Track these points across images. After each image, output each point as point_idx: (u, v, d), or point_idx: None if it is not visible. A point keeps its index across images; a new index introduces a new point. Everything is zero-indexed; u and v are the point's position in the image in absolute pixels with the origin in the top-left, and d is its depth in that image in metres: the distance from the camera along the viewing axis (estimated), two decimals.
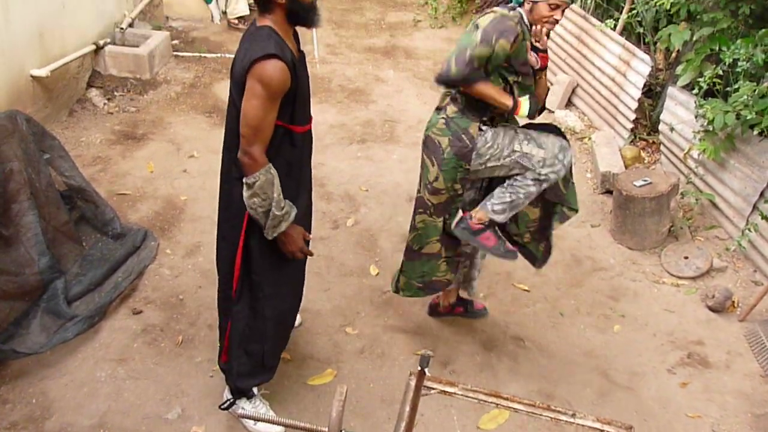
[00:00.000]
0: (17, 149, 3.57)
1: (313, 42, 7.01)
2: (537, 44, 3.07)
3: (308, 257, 3.09)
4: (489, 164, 3.12)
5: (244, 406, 3.09)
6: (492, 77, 2.98)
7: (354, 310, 3.84)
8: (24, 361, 3.32)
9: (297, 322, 3.64)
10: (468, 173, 3.12)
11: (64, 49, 5.27)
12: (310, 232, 3.06)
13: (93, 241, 3.99)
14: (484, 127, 3.08)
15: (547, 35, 3.08)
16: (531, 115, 3.02)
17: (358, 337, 3.67)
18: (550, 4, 2.94)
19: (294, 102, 2.60)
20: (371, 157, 5.28)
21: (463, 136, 3.05)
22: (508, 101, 2.97)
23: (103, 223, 4.03)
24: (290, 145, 2.69)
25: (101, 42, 5.72)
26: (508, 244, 3.32)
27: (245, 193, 2.56)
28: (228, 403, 3.09)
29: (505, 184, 3.18)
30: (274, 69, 2.44)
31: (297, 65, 2.57)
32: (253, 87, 2.46)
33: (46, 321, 3.44)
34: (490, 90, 2.95)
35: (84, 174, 4.11)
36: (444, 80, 2.94)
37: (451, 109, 3.10)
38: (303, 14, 2.55)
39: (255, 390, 3.11)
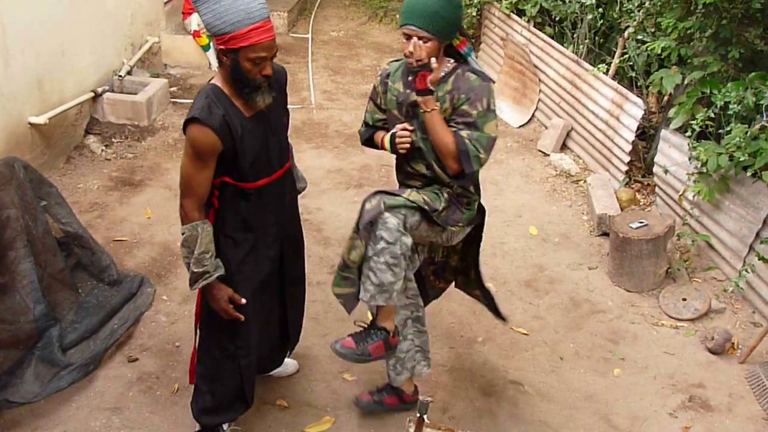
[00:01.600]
0: (14, 196, 3.58)
1: (310, 88, 7.09)
2: (408, 60, 2.73)
3: (302, 297, 3.13)
4: None
5: None
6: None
7: None
8: (17, 410, 3.28)
9: (293, 369, 3.61)
10: None
11: (62, 96, 5.32)
12: (280, 288, 3.07)
13: (89, 288, 3.96)
14: None
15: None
16: (394, 151, 2.91)
17: (357, 384, 3.63)
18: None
19: (237, 161, 2.62)
20: None
21: None
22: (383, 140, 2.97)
23: (99, 269, 4.02)
24: (243, 200, 2.73)
25: (100, 89, 5.78)
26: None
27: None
28: None
29: None
30: (196, 133, 2.52)
31: (236, 125, 2.56)
32: (185, 145, 2.57)
33: (40, 369, 3.40)
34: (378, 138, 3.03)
35: (81, 220, 4.11)
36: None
37: None
38: (241, 86, 2.53)
39: (225, 426, 3.13)
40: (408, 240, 2.69)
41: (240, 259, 2.79)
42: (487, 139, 2.71)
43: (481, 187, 3.06)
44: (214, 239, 2.73)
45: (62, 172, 5.31)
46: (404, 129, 2.85)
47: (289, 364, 3.60)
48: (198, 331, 2.99)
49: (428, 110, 2.72)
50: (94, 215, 4.84)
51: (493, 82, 2.80)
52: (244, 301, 2.78)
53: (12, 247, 3.49)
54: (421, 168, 2.92)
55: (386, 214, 2.65)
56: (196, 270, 2.64)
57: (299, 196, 3.17)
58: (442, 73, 2.79)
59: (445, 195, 2.88)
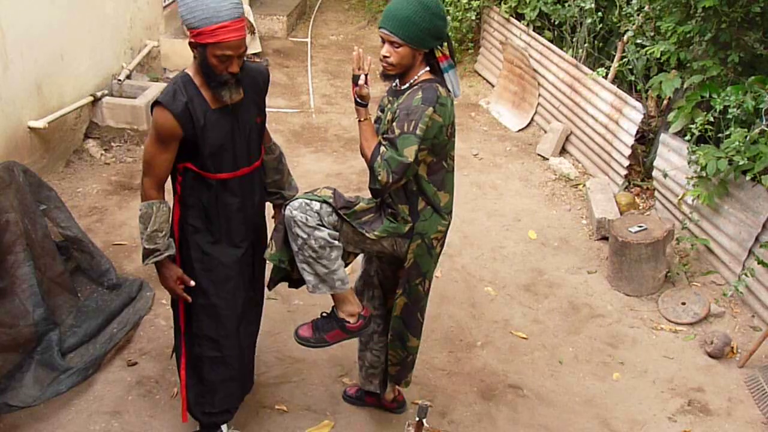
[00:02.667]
0: (14, 200, 3.58)
1: (309, 92, 7.09)
2: (382, 63, 2.75)
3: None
4: None
5: None
6: None
7: (351, 359, 3.80)
8: (17, 414, 3.27)
9: None
10: None
11: (62, 100, 5.33)
12: (251, 284, 3.06)
13: (88, 292, 3.96)
14: None
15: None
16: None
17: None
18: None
19: (198, 149, 2.70)
20: None
21: None
22: None
23: (98, 273, 4.02)
24: (206, 190, 2.81)
25: (99, 93, 5.77)
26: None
27: None
28: None
29: None
30: (158, 116, 2.63)
31: (199, 114, 2.64)
32: (150, 127, 2.70)
33: (39, 373, 3.40)
34: None
35: (80, 224, 4.11)
36: None
37: None
38: (208, 79, 2.63)
39: (224, 428, 3.13)
40: (322, 233, 2.72)
41: (200, 248, 2.86)
42: (398, 162, 2.62)
43: (448, 214, 2.92)
44: (180, 225, 2.85)
45: (61, 176, 5.31)
46: None
47: None
48: (181, 337, 3.03)
49: (359, 119, 2.76)
50: (94, 219, 4.84)
51: (434, 107, 2.64)
52: (192, 283, 2.86)
53: (11, 251, 3.49)
54: None
55: (294, 213, 2.73)
56: (147, 246, 2.75)
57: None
58: (406, 85, 2.77)
59: (378, 201, 2.90)
